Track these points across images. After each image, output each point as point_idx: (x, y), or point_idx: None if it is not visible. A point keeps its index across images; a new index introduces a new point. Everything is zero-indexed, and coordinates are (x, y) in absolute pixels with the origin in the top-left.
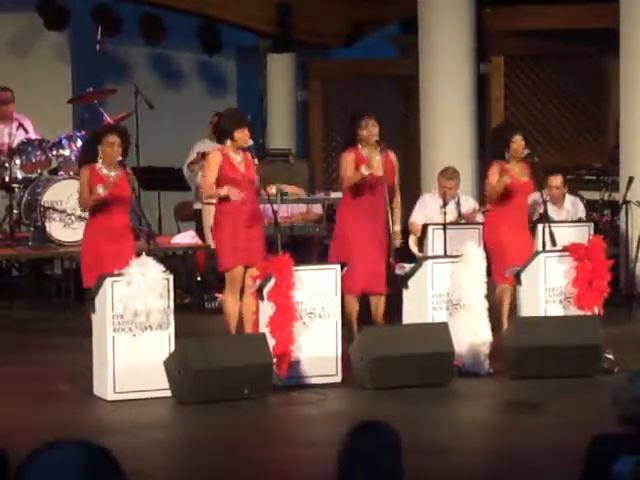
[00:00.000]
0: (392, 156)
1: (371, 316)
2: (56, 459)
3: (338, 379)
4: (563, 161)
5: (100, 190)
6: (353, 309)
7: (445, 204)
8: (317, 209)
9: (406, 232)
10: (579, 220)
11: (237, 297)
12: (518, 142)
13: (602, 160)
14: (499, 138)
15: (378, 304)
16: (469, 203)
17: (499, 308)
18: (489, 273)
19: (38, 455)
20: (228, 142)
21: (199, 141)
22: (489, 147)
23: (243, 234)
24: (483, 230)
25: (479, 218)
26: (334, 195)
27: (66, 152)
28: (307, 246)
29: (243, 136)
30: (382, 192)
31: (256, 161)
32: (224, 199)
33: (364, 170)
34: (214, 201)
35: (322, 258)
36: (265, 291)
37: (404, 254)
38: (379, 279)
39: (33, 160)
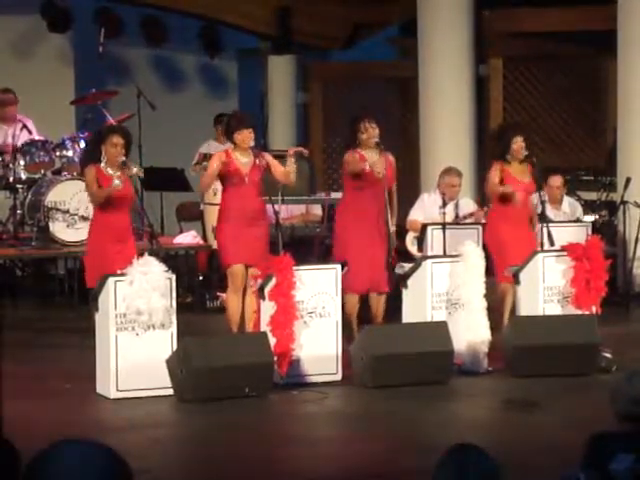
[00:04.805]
0: (391, 158)
1: (371, 315)
2: (71, 458)
3: (338, 378)
4: (561, 162)
5: (117, 182)
6: (353, 308)
7: (444, 204)
8: (317, 210)
9: (403, 230)
10: (577, 220)
11: (239, 296)
12: (519, 143)
13: (600, 161)
14: (500, 139)
15: (378, 303)
16: (469, 206)
17: (501, 307)
18: (490, 272)
19: (52, 453)
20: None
21: (205, 142)
22: (489, 147)
23: (246, 233)
24: (484, 229)
25: (483, 219)
26: (334, 195)
27: (69, 153)
28: (308, 246)
29: (243, 138)
30: (382, 193)
31: (266, 160)
32: (225, 199)
33: (367, 166)
34: (216, 201)
35: (323, 258)
36: (266, 290)
37: (401, 253)
38: (381, 278)
39: (36, 161)
